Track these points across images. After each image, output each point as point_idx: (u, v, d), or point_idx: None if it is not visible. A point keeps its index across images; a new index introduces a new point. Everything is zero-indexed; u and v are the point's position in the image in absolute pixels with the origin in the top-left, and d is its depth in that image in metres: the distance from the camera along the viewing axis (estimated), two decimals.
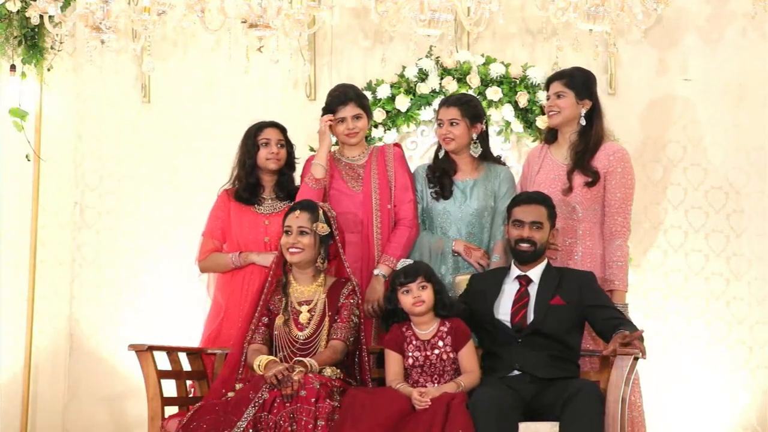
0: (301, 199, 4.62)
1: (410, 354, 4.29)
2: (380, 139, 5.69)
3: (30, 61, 5.90)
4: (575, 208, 4.69)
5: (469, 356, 4.29)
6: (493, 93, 5.66)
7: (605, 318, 4.30)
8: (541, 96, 5.57)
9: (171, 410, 4.44)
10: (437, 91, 5.70)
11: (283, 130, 5.01)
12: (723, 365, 5.62)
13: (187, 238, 5.63)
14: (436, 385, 4.23)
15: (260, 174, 4.97)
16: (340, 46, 5.98)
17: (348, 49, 5.98)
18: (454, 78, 5.70)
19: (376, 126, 5.70)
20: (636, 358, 4.08)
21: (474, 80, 5.67)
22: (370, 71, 5.86)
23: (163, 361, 4.49)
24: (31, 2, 5.07)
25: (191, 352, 4.66)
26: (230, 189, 4.99)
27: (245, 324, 4.47)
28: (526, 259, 4.43)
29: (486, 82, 5.69)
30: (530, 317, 4.33)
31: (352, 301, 4.42)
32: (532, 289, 4.40)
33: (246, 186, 4.95)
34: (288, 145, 5.01)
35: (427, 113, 5.73)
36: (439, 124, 4.86)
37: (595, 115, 4.76)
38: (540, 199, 4.49)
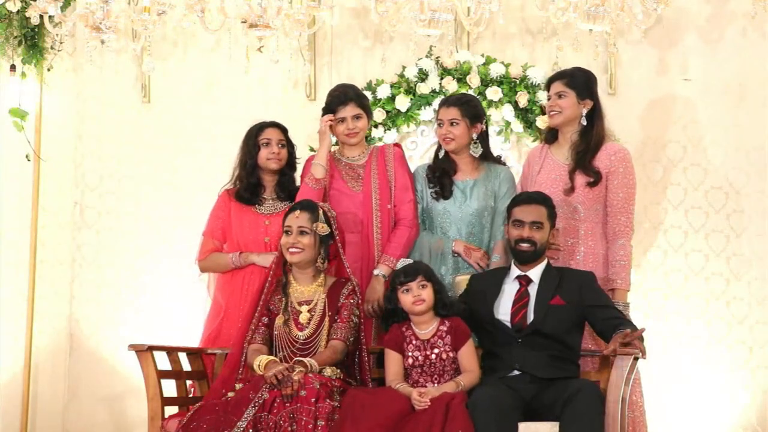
0: (301, 199, 4.62)
1: (410, 354, 4.29)
2: (380, 139, 5.70)
3: (30, 61, 5.90)
4: (577, 208, 4.70)
5: (468, 355, 4.29)
6: (493, 93, 5.66)
7: (605, 318, 4.30)
8: (541, 96, 5.57)
9: (171, 410, 4.44)
10: (437, 91, 5.70)
11: (284, 130, 5.01)
12: (723, 365, 5.62)
13: (187, 238, 5.63)
14: (435, 385, 4.23)
15: (261, 174, 4.98)
16: (340, 46, 5.98)
17: (348, 49, 5.98)
18: (454, 78, 5.70)
19: (376, 126, 5.70)
20: (636, 358, 4.08)
21: (474, 80, 5.67)
22: (370, 71, 5.86)
23: (163, 361, 4.49)
24: (31, 2, 5.07)
25: (191, 352, 4.65)
26: (231, 189, 5.00)
27: (245, 324, 4.47)
28: (526, 259, 4.43)
29: (486, 82, 5.69)
30: (530, 317, 4.33)
31: (352, 301, 4.42)
32: (532, 289, 4.40)
33: (247, 186, 4.95)
34: (289, 145, 5.01)
35: (427, 113, 5.73)
36: (439, 124, 4.86)
37: (596, 115, 4.76)
38: (540, 199, 4.49)
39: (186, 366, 4.61)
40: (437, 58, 5.72)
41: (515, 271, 4.46)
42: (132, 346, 4.39)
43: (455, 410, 3.99)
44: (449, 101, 4.88)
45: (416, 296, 4.29)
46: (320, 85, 5.92)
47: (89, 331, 6.04)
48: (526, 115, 5.68)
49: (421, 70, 5.73)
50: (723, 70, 5.71)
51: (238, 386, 4.27)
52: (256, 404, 4.00)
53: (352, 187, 4.86)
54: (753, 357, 5.62)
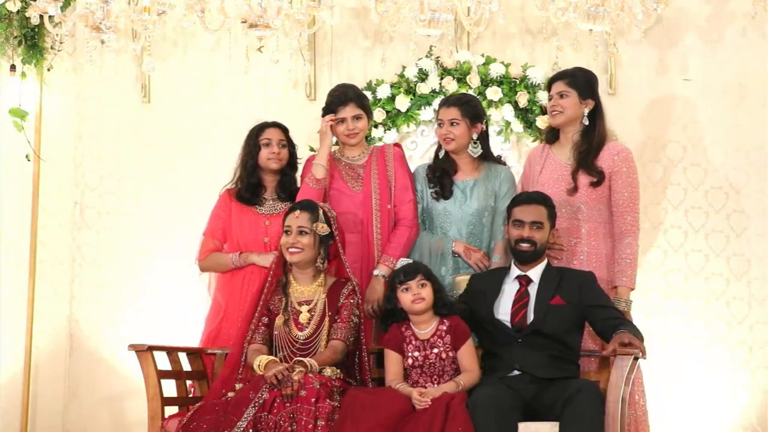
0: (301, 199, 4.62)
1: (410, 354, 4.29)
2: (380, 139, 5.69)
3: (30, 61, 5.90)
4: (580, 207, 4.70)
5: (468, 355, 4.29)
6: (493, 93, 5.66)
7: (605, 318, 4.30)
8: (542, 96, 5.57)
9: (171, 410, 4.44)
10: (437, 91, 5.70)
11: (285, 130, 5.01)
12: (723, 365, 5.62)
13: (187, 238, 5.62)
14: (435, 385, 4.23)
15: (262, 174, 4.98)
16: (340, 46, 5.98)
17: (348, 49, 5.98)
18: (454, 78, 5.69)
19: (376, 126, 5.70)
20: (636, 358, 4.08)
21: (474, 80, 5.67)
22: (370, 71, 5.85)
23: (163, 361, 4.49)
24: (31, 2, 5.06)
25: (191, 352, 4.66)
26: (232, 189, 5.00)
27: (245, 324, 4.47)
28: (526, 259, 4.43)
29: (486, 82, 5.69)
30: (530, 317, 4.33)
31: (352, 301, 4.42)
32: (532, 289, 4.40)
33: (247, 186, 4.95)
34: (290, 146, 5.01)
35: (427, 113, 5.73)
36: (439, 124, 4.86)
37: (597, 114, 4.77)
38: (540, 199, 4.49)
39: (186, 366, 4.61)
40: (437, 58, 5.72)
41: (515, 271, 4.46)
42: (132, 346, 4.39)
43: (455, 410, 3.99)
44: (449, 101, 4.88)
45: (416, 294, 4.29)
46: (320, 85, 5.91)
47: (89, 331, 6.04)
48: (526, 115, 5.67)
49: (421, 70, 5.72)
50: (723, 70, 5.70)
51: (238, 386, 4.27)
52: (256, 404, 4.00)
53: (352, 187, 4.86)
54: (753, 357, 5.62)
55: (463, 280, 4.64)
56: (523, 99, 5.64)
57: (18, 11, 5.72)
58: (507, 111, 5.67)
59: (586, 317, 4.36)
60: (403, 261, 4.54)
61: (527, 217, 4.42)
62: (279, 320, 4.41)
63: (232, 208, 4.95)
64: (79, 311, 6.06)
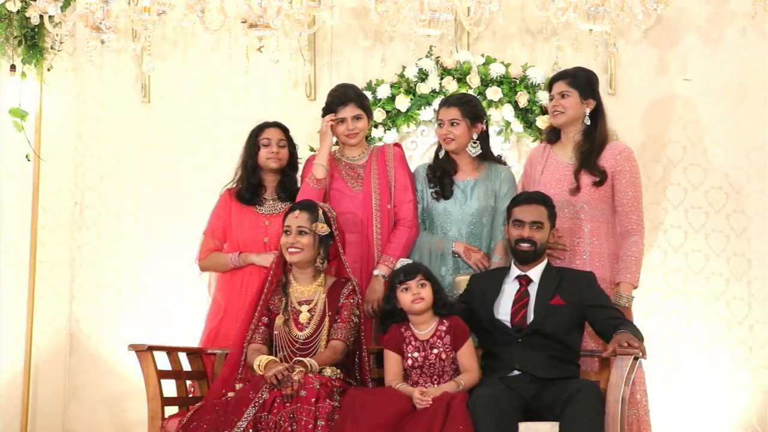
0: (301, 199, 4.62)
1: (409, 355, 4.29)
2: (380, 139, 5.69)
3: (30, 61, 5.90)
4: (582, 207, 4.69)
5: (468, 355, 4.29)
6: (493, 93, 5.66)
7: (605, 318, 4.30)
8: (542, 96, 5.57)
9: (171, 410, 4.44)
10: (437, 91, 5.70)
11: (285, 130, 5.01)
12: (723, 365, 5.62)
13: (187, 238, 5.62)
14: (435, 386, 4.23)
15: (262, 174, 4.98)
16: (340, 46, 5.98)
17: (348, 49, 5.98)
18: (454, 78, 5.69)
19: (376, 126, 5.70)
20: (636, 358, 4.08)
21: (474, 80, 5.66)
22: (370, 71, 5.85)
23: (163, 361, 4.49)
24: (31, 2, 5.06)
25: (191, 352, 4.65)
26: (232, 188, 5.00)
27: (245, 324, 4.46)
28: (526, 259, 4.43)
29: (486, 82, 5.69)
30: (530, 317, 4.33)
31: (352, 301, 4.42)
32: (532, 289, 4.40)
33: (248, 186, 4.95)
34: (290, 145, 5.01)
35: (427, 113, 5.72)
36: (439, 125, 4.86)
37: (599, 114, 4.77)
38: (540, 199, 4.49)
39: (186, 366, 4.61)
40: (437, 58, 5.72)
41: (515, 271, 4.46)
42: (132, 346, 4.39)
43: (455, 410, 3.99)
44: (449, 101, 4.88)
45: (415, 294, 4.29)
46: (320, 85, 5.91)
47: (89, 331, 6.04)
48: (526, 115, 5.67)
49: (421, 70, 5.72)
50: (723, 70, 5.70)
51: (238, 386, 4.27)
52: (256, 404, 4.00)
53: (352, 187, 4.86)
54: (753, 357, 5.62)
55: (463, 280, 4.64)
56: (523, 99, 5.64)
57: (18, 11, 5.72)
58: (507, 111, 5.67)
59: (586, 317, 4.36)
60: (403, 261, 4.54)
61: (527, 217, 4.42)
62: (279, 320, 4.41)
63: (232, 208, 4.95)
64: (79, 311, 6.06)
